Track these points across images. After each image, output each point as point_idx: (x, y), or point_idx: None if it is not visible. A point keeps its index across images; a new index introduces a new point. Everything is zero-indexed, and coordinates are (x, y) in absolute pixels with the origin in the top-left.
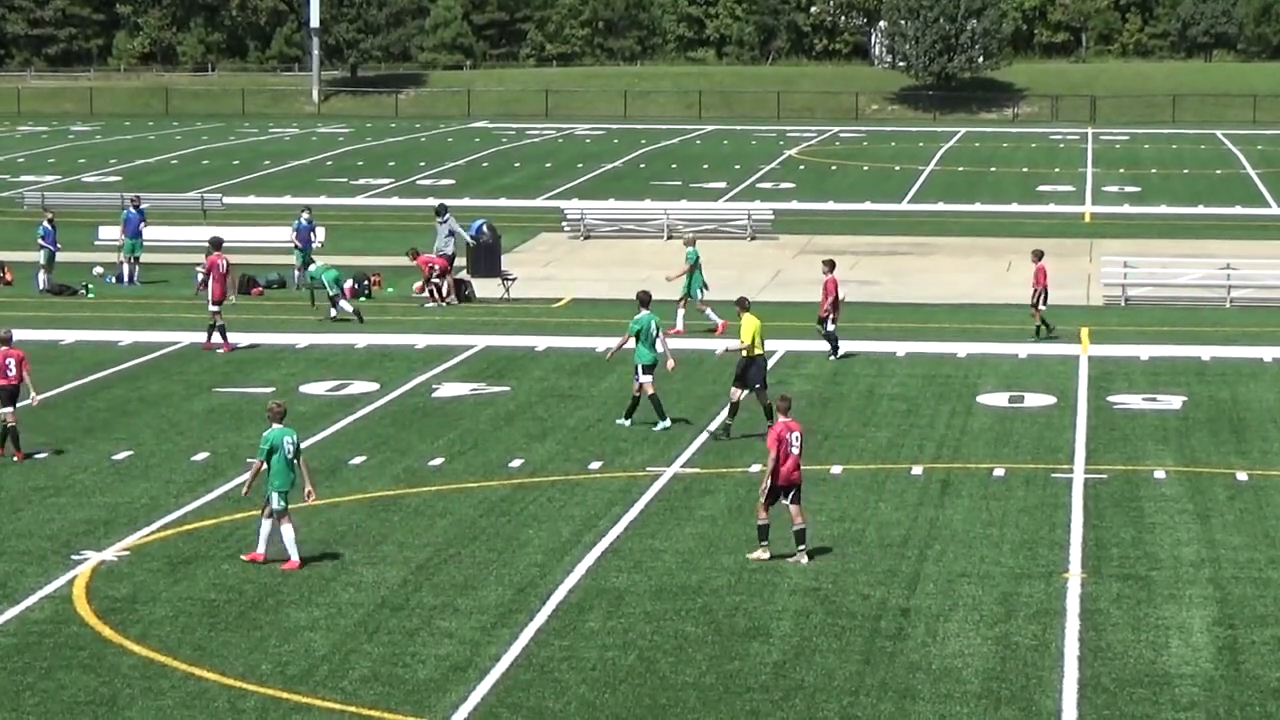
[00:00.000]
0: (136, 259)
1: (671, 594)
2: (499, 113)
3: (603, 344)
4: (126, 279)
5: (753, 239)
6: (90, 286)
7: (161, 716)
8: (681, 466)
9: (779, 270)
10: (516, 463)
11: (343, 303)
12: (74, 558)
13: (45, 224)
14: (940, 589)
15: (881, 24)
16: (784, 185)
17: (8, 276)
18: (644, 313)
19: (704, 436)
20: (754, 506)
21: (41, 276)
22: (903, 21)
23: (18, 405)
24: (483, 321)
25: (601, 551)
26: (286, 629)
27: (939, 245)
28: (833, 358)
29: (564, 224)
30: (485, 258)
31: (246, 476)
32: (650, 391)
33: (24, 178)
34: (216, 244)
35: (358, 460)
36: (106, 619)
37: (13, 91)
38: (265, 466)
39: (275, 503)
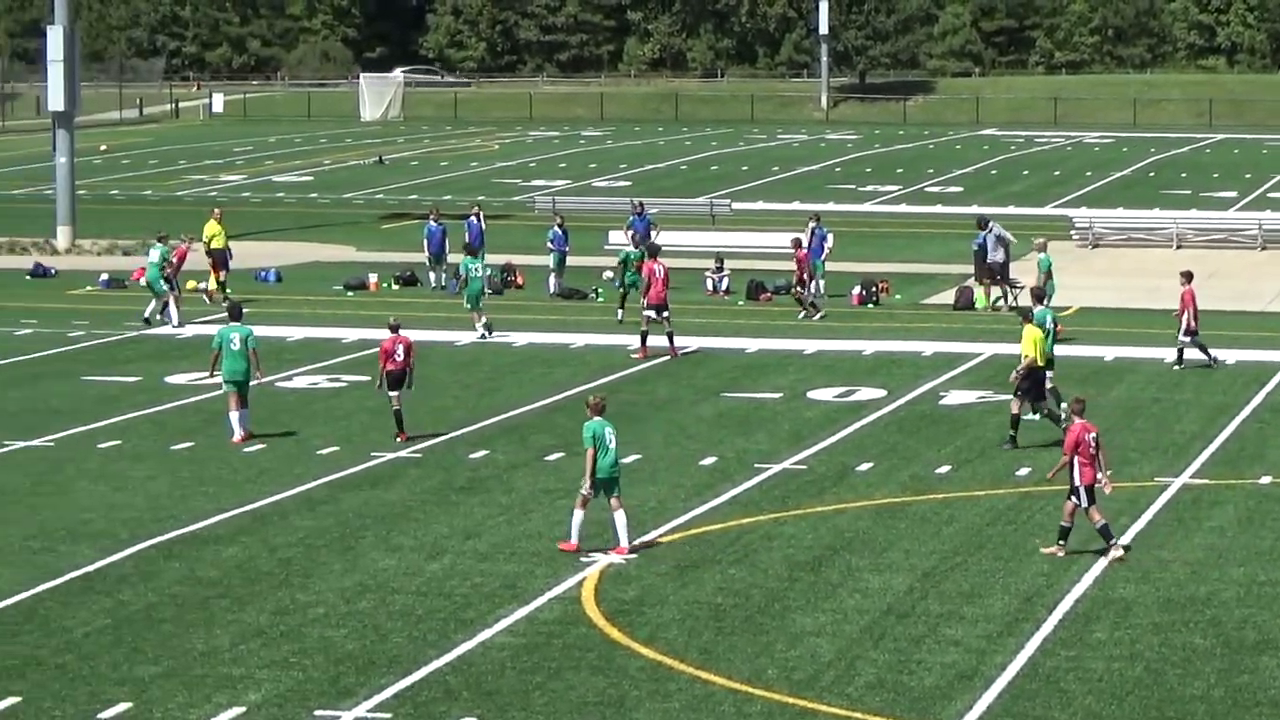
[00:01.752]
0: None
1: (1179, 605)
2: (1007, 120)
3: (1111, 353)
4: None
5: (1263, 249)
6: (599, 290)
7: (668, 719)
8: (1190, 477)
9: None
10: (1024, 471)
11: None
12: (582, 560)
13: (556, 228)
14: None
15: None
16: None
17: (519, 280)
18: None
19: (1212, 448)
20: (1263, 518)
21: (552, 280)
22: None
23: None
24: (989, 329)
25: (1108, 562)
26: (793, 634)
27: None
28: (1210, 364)
29: (1072, 232)
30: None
31: (586, 465)
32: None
33: (535, 182)
34: (653, 251)
35: (864, 466)
36: (615, 621)
37: (525, 97)
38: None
39: (586, 489)
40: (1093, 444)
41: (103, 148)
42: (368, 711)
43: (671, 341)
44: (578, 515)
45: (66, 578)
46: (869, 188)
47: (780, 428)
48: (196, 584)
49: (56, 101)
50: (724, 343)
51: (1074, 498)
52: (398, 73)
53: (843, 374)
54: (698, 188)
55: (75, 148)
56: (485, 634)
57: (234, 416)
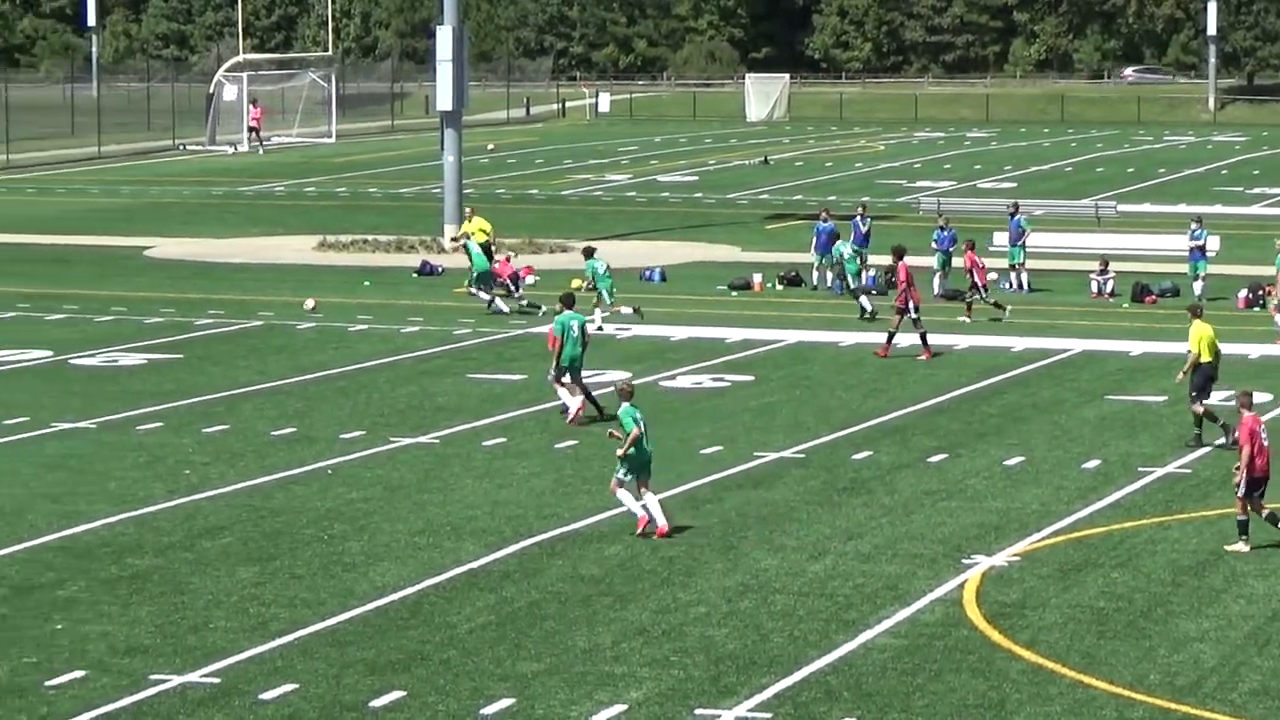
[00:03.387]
0: (1020, 265)
1: None
2: None
3: None
4: (1016, 285)
5: None
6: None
7: None
8: None
9: None
10: None
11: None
12: (964, 561)
13: (940, 229)
14: None
15: None
16: None
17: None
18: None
19: None
20: None
21: (936, 281)
22: None
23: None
24: None
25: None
26: (1176, 639)
27: None
28: None
29: None
30: None
31: (627, 442)
32: None
33: (920, 183)
34: (899, 253)
35: None
36: (996, 623)
37: (910, 98)
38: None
39: (621, 474)
40: (1264, 435)
41: (490, 147)
42: (748, 711)
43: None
44: (624, 497)
45: (451, 573)
46: (1256, 190)
47: (1164, 431)
48: (579, 581)
49: (445, 101)
50: (1108, 345)
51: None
52: None
53: (1227, 378)
54: (1082, 190)
55: (463, 147)
56: (866, 635)
57: (574, 400)
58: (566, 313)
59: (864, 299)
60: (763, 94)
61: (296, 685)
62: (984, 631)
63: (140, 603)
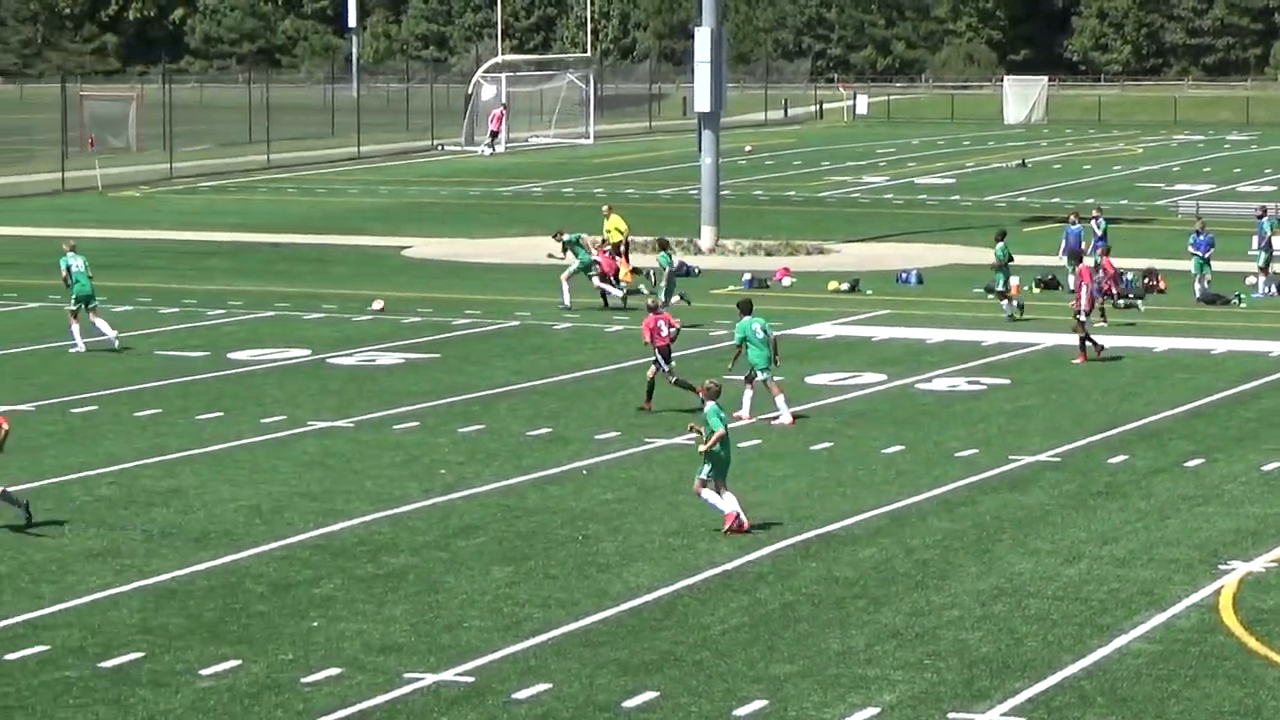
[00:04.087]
0: (1264, 268)
1: None
2: None
3: None
4: (1263, 290)
5: None
6: (1242, 296)
7: None
8: None
9: None
10: None
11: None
12: (1220, 567)
13: (1196, 233)
14: None
15: None
16: None
17: (1161, 284)
18: None
19: None
20: None
21: (1197, 285)
22: None
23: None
24: None
25: None
26: None
27: None
28: None
29: None
30: None
31: (711, 440)
32: None
33: (1178, 186)
34: (1077, 257)
35: None
36: (1253, 630)
37: (1170, 100)
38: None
39: (704, 474)
40: None
41: (748, 149)
42: (1001, 715)
43: (1083, 345)
44: (709, 496)
45: (705, 575)
46: None
47: None
48: (833, 584)
49: (703, 102)
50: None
51: None
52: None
53: None
54: None
55: (720, 149)
56: (1121, 640)
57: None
58: (746, 318)
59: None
60: (1021, 96)
61: (550, 685)
62: (1240, 638)
63: (395, 601)
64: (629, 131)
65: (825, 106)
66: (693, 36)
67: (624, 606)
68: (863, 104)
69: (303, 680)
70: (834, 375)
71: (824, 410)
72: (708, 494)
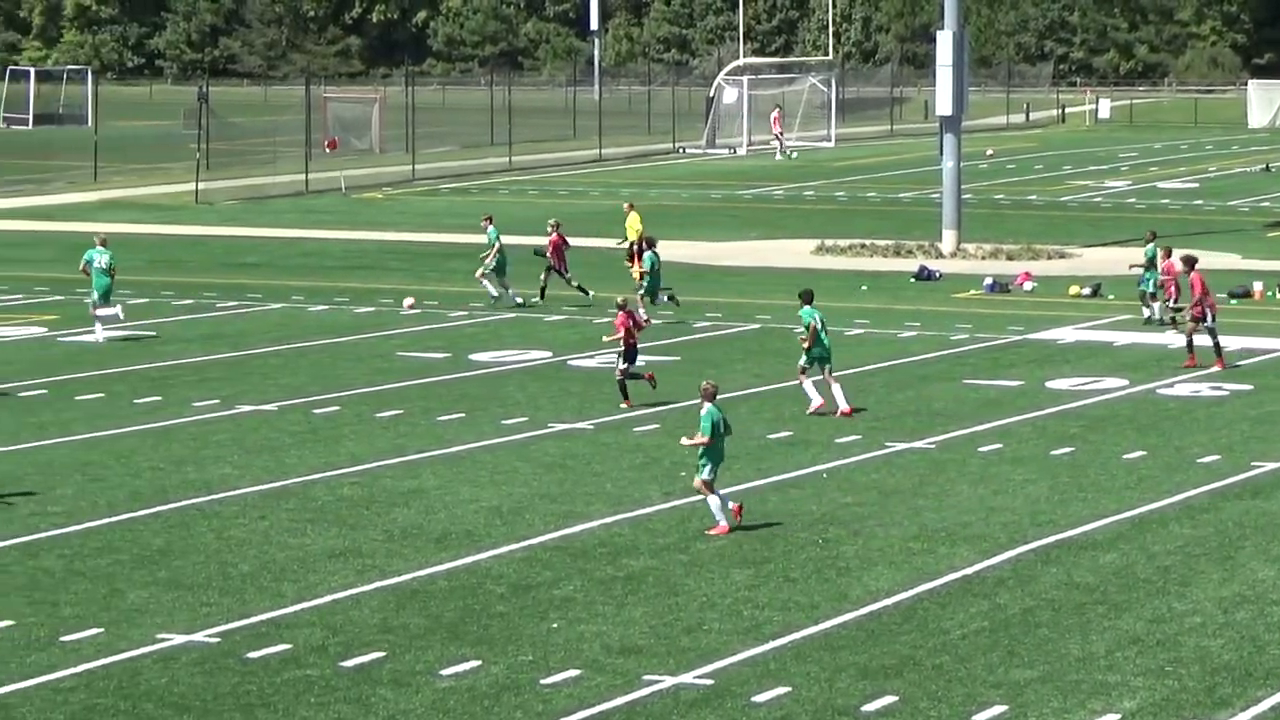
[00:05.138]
0: None
1: None
2: None
3: None
4: None
5: None
6: None
7: None
8: None
9: None
10: None
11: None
12: None
13: None
14: None
15: None
16: None
17: None
18: None
19: None
20: None
21: None
22: None
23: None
24: None
25: None
26: None
27: None
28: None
29: None
30: None
31: (696, 440)
32: None
33: None
34: (1190, 262)
35: None
36: None
37: None
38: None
39: (706, 474)
40: None
41: (989, 152)
42: None
43: (1191, 347)
44: (713, 500)
45: (945, 579)
46: None
47: None
48: (1074, 589)
49: (944, 106)
50: None
51: None
52: None
53: None
54: None
55: (962, 152)
56: None
57: (836, 391)
58: (807, 308)
59: None
60: (1265, 100)
61: (789, 688)
62: None
63: (635, 603)
64: (870, 135)
65: (1067, 110)
66: (934, 40)
67: (864, 610)
68: (1105, 108)
69: (542, 681)
70: (1075, 380)
71: (1066, 415)
72: (712, 499)
